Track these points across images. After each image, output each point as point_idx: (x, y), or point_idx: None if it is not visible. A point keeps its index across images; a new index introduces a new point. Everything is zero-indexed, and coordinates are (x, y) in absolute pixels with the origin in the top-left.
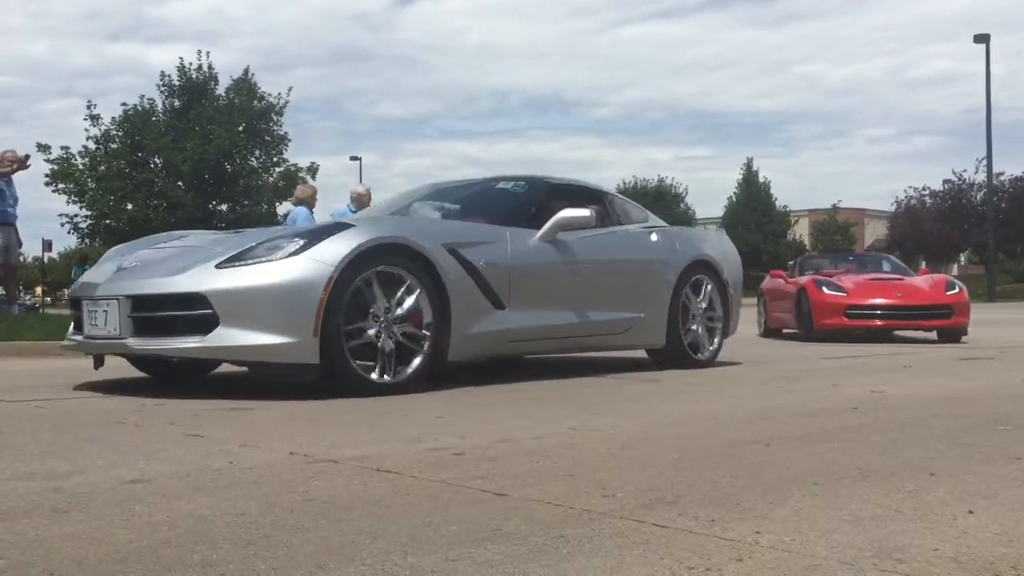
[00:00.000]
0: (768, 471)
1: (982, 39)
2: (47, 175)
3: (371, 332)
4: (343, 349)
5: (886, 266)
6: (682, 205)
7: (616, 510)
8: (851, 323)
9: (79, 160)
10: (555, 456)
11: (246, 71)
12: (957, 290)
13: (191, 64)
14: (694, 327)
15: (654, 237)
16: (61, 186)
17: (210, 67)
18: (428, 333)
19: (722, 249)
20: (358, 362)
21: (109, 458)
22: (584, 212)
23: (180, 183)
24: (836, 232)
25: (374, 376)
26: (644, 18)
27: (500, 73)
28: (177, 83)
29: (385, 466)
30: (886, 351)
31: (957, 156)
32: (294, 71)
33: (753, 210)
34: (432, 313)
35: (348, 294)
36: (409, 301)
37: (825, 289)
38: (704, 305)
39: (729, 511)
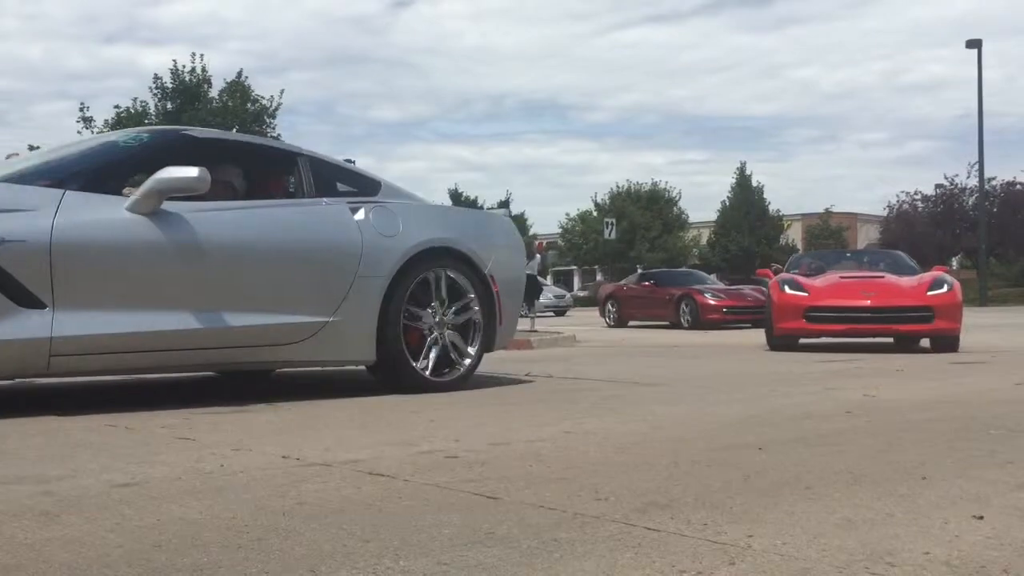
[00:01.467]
0: (761, 475)
1: (974, 44)
2: None
3: None
4: None
5: (883, 264)
6: (675, 209)
7: (609, 514)
8: (811, 327)
9: None
10: (548, 460)
11: (239, 73)
12: (944, 289)
13: (184, 66)
14: (433, 334)
15: (360, 215)
16: None
17: (204, 69)
18: None
19: (489, 235)
20: None
21: (100, 462)
22: (191, 172)
23: None
24: (829, 236)
25: None
26: (640, 22)
27: (495, 76)
28: (170, 86)
29: (378, 469)
30: (880, 355)
31: (950, 161)
32: (289, 74)
33: (746, 214)
34: None
35: None
36: None
37: (787, 288)
38: (452, 308)
39: (722, 515)
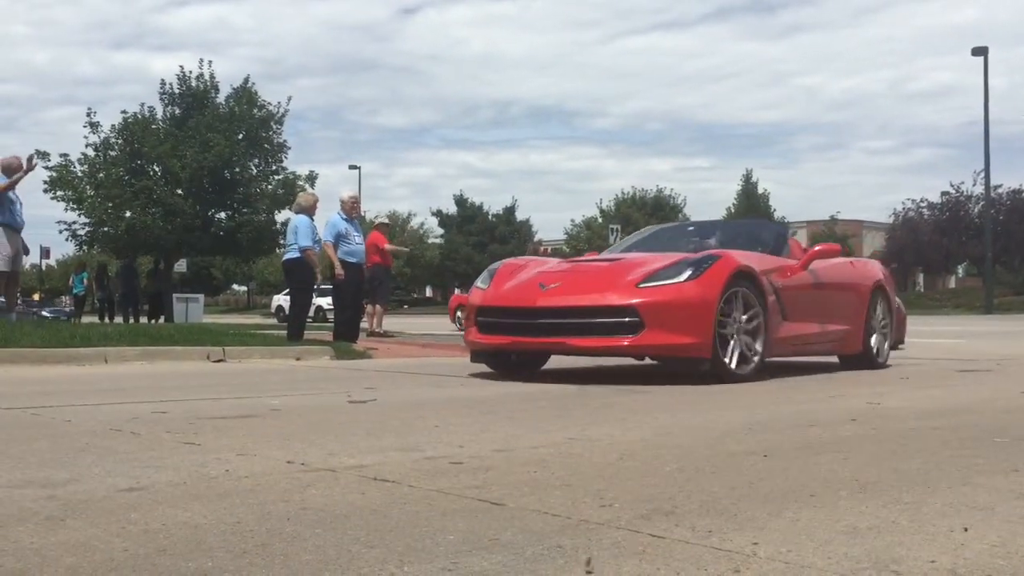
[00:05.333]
0: (766, 482)
1: (980, 52)
2: (45, 182)
3: None
4: None
5: (713, 240)
6: (680, 215)
7: (613, 520)
8: (482, 339)
9: (78, 167)
10: (553, 466)
11: (246, 80)
12: (677, 279)
13: (191, 72)
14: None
15: None
16: (60, 193)
17: (211, 76)
18: None
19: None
20: None
21: (105, 466)
22: None
23: (179, 191)
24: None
25: None
26: (647, 30)
27: (502, 83)
28: (177, 91)
29: (382, 475)
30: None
31: (957, 168)
32: (297, 80)
33: None
34: None
35: None
36: None
37: (479, 283)
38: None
39: (726, 522)
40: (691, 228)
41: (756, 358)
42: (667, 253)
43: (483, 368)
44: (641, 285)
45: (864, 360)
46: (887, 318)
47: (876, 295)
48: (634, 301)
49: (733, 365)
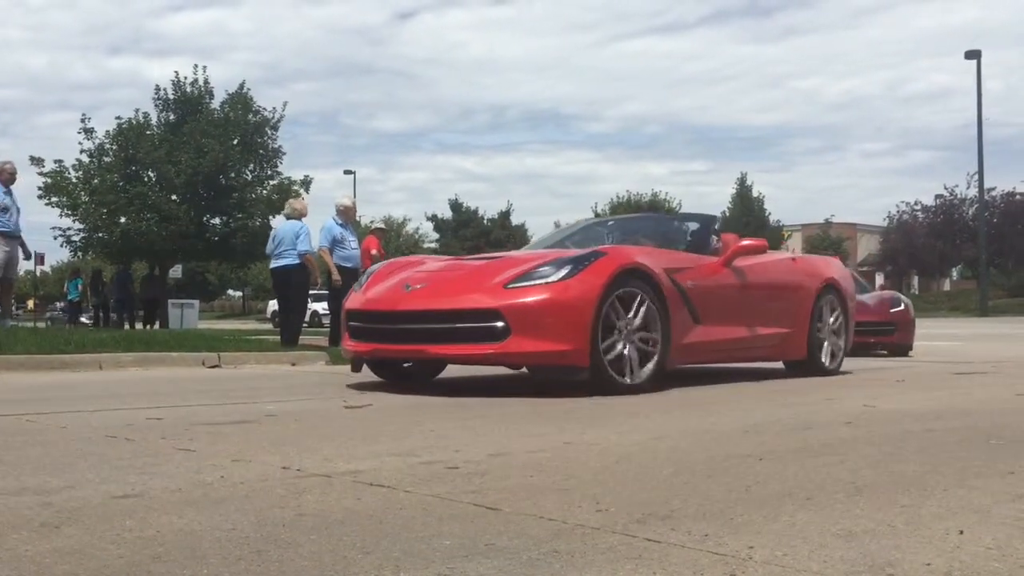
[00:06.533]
0: (762, 485)
1: (973, 55)
2: (40, 188)
3: None
4: None
5: (626, 236)
6: None
7: (609, 525)
8: (351, 346)
9: (72, 174)
10: (549, 470)
11: (241, 85)
12: (535, 282)
13: (186, 78)
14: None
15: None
16: (54, 199)
17: (206, 81)
18: None
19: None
20: None
21: (100, 473)
22: None
23: (174, 196)
24: (829, 247)
25: None
26: (644, 33)
27: (499, 87)
28: (172, 97)
29: (378, 480)
30: (877, 365)
31: (952, 171)
32: (294, 85)
33: (746, 224)
34: None
35: None
36: None
37: (354, 288)
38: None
39: (722, 526)
40: (611, 223)
41: (651, 366)
42: (558, 250)
43: (482, 370)
44: (509, 286)
45: (810, 366)
46: (842, 320)
47: (824, 296)
48: (497, 304)
49: (623, 375)
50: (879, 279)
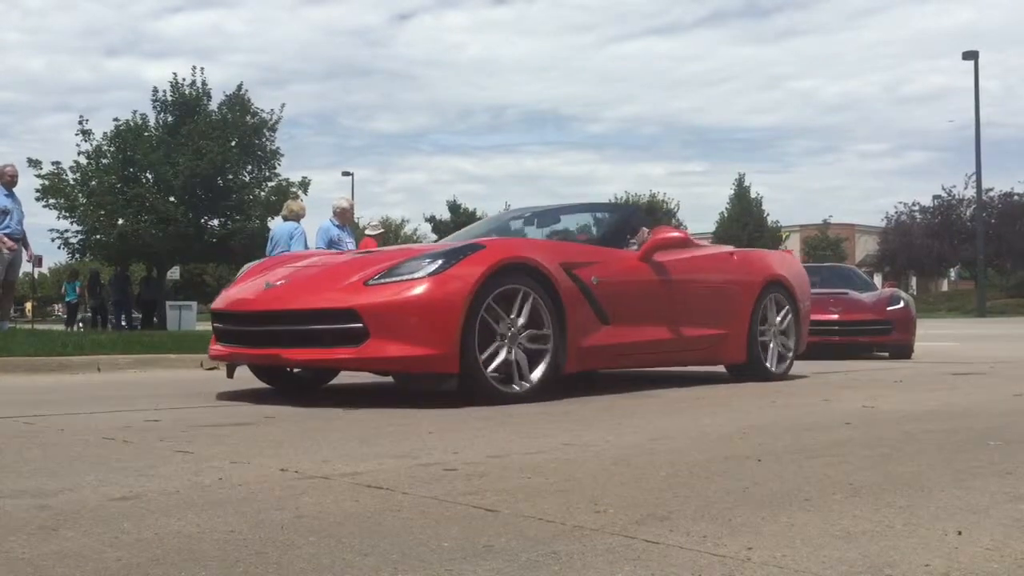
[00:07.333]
0: (760, 486)
1: (970, 56)
2: (38, 190)
3: None
4: None
5: (541, 229)
6: (674, 220)
7: (608, 526)
8: (214, 349)
9: (70, 175)
10: (547, 472)
11: (239, 87)
12: (398, 279)
13: (184, 80)
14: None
15: None
16: (52, 201)
17: (204, 83)
18: None
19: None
20: None
21: (98, 475)
22: None
23: (172, 198)
24: (827, 247)
25: None
26: (641, 34)
27: (497, 88)
28: (170, 99)
29: (376, 482)
30: (876, 366)
31: (950, 171)
32: (292, 86)
33: (744, 225)
34: None
35: None
36: None
37: (227, 287)
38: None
39: (721, 527)
40: (528, 215)
41: (540, 369)
42: (435, 244)
43: None
44: (370, 283)
45: (753, 371)
46: (791, 320)
47: (769, 294)
48: (353, 303)
49: (510, 382)
50: (877, 279)
